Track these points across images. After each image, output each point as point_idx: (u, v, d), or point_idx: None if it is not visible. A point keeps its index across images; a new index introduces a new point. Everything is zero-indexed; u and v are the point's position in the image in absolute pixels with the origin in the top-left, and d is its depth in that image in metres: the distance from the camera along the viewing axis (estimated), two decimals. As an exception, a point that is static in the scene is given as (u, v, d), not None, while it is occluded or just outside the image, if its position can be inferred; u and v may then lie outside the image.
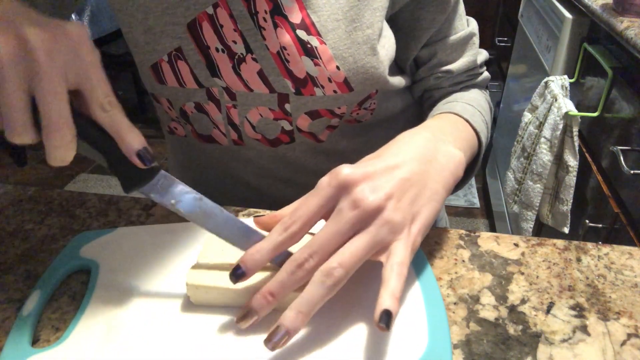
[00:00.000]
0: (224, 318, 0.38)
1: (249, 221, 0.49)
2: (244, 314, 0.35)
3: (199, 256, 0.41)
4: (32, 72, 0.29)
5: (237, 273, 0.36)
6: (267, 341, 0.33)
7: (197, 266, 0.40)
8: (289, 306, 0.34)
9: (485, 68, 0.65)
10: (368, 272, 0.41)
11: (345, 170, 0.36)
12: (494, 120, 2.11)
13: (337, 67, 0.50)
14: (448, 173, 0.41)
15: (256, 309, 0.35)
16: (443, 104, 0.58)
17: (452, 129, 0.49)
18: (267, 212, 0.52)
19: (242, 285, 0.38)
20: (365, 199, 0.35)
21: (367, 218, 0.35)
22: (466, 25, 0.60)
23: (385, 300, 0.32)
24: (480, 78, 0.64)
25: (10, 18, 0.30)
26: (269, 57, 0.51)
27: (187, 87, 0.54)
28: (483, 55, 0.63)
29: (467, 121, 0.52)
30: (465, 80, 0.62)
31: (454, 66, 0.59)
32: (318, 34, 0.49)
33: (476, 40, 0.60)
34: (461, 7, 0.58)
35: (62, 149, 0.31)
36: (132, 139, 0.33)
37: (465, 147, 0.47)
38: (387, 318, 0.32)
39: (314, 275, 0.34)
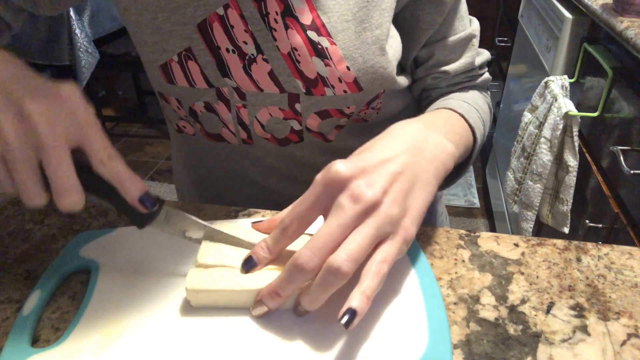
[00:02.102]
0: (224, 318, 0.38)
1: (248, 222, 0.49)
2: (257, 303, 0.37)
3: (197, 259, 0.40)
4: (37, 144, 0.31)
5: (249, 264, 0.38)
6: (293, 310, 0.38)
7: (195, 270, 0.39)
8: (305, 291, 0.36)
9: (486, 69, 0.65)
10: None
11: (339, 167, 0.36)
12: (494, 120, 2.12)
13: (347, 68, 0.51)
14: (439, 163, 0.41)
15: (266, 303, 0.37)
16: (439, 102, 0.58)
17: (445, 122, 0.49)
18: (267, 212, 0.52)
19: (242, 287, 0.38)
20: (363, 194, 0.35)
21: (367, 212, 0.35)
22: (468, 25, 0.59)
23: (355, 298, 0.33)
24: (480, 79, 0.64)
25: (9, 89, 0.32)
26: (279, 57, 0.51)
27: (197, 87, 0.54)
28: (483, 56, 0.63)
29: (462, 116, 0.52)
30: (463, 82, 0.62)
31: (450, 67, 0.59)
32: (328, 35, 0.49)
33: (476, 41, 0.60)
34: (462, 8, 0.58)
35: (72, 206, 0.33)
36: (132, 188, 0.35)
37: (457, 140, 0.47)
38: (350, 317, 0.32)
39: (323, 267, 0.34)
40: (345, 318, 0.32)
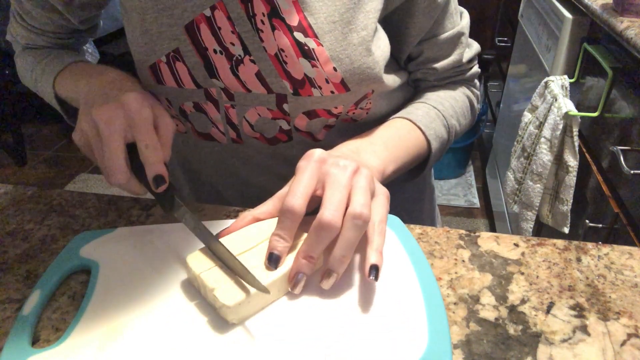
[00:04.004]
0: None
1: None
2: (295, 280, 0.39)
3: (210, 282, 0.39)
4: (100, 136, 0.43)
5: (273, 258, 0.40)
6: (321, 282, 0.40)
7: (224, 287, 0.38)
8: (332, 253, 0.39)
9: (475, 63, 0.67)
10: (368, 283, 0.41)
11: (317, 152, 0.44)
12: (494, 120, 2.12)
13: (334, 69, 0.51)
14: (373, 166, 0.51)
15: (304, 271, 0.39)
16: (410, 105, 0.61)
17: (391, 136, 0.55)
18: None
19: (272, 278, 0.39)
20: (347, 165, 0.42)
21: (354, 174, 0.43)
22: (458, 22, 0.60)
23: (372, 256, 0.39)
24: (469, 74, 0.66)
25: (90, 101, 0.46)
26: (266, 58, 0.51)
27: (185, 88, 0.54)
28: (472, 50, 0.64)
29: (420, 128, 0.57)
30: (452, 76, 0.64)
31: (439, 65, 0.61)
32: (315, 36, 0.50)
33: (464, 39, 0.62)
34: (452, 6, 0.59)
35: (118, 182, 0.43)
36: (151, 169, 0.43)
37: (396, 154, 0.54)
38: (375, 271, 0.39)
39: (345, 222, 0.39)
40: (372, 273, 0.39)
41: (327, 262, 0.40)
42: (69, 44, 0.66)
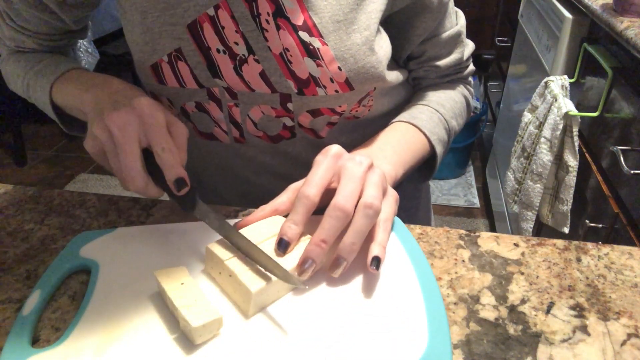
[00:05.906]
0: (224, 318, 0.38)
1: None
2: (303, 267, 0.39)
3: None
4: (115, 142, 0.43)
5: (282, 244, 0.41)
6: (330, 270, 0.40)
7: (248, 272, 0.39)
8: (342, 240, 0.40)
9: (471, 60, 0.69)
10: (368, 282, 0.41)
11: (335, 147, 0.45)
12: (494, 120, 2.12)
13: (339, 68, 0.51)
14: (385, 171, 0.51)
15: (313, 257, 0.39)
16: (413, 106, 0.62)
17: (398, 141, 0.56)
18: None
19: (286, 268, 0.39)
20: (363, 160, 0.44)
21: (368, 169, 0.44)
22: (455, 22, 0.62)
23: (375, 249, 0.41)
24: (466, 72, 0.68)
25: (100, 108, 0.45)
26: (271, 58, 0.51)
27: (188, 88, 0.54)
28: (469, 48, 0.66)
29: (424, 134, 0.58)
30: (452, 74, 0.66)
31: (442, 62, 0.63)
32: (320, 36, 0.50)
33: (463, 37, 0.63)
34: (450, 6, 0.60)
35: (137, 188, 0.43)
36: (171, 172, 0.43)
37: (404, 159, 0.55)
38: (376, 262, 0.40)
39: (357, 211, 0.40)
40: (374, 264, 0.40)
41: (337, 250, 0.40)
42: (60, 46, 0.65)
